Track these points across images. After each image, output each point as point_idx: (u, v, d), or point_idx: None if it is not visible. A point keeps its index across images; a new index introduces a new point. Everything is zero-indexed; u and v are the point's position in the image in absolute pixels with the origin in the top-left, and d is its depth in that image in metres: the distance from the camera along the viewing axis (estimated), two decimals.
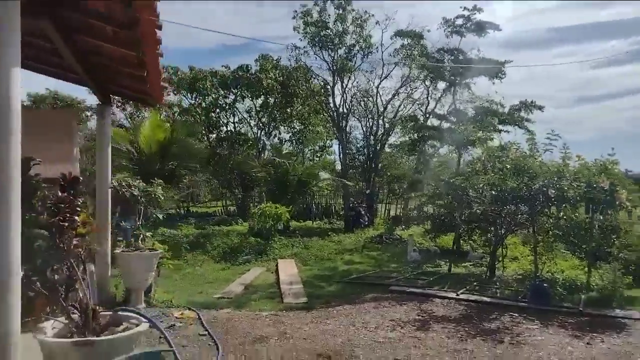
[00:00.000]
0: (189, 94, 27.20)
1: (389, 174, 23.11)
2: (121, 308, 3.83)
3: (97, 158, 6.73)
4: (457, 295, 7.87)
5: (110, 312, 3.50)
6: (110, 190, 6.72)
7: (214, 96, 26.64)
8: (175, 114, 27.51)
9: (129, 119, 26.78)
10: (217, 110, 27.19)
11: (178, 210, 24.03)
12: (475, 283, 9.05)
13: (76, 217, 3.24)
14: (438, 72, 15.77)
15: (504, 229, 10.14)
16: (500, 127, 14.32)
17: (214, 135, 26.93)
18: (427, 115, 19.55)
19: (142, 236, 6.50)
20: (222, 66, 27.49)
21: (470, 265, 11.43)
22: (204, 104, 27.30)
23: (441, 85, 20.37)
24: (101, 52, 4.89)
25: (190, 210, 24.37)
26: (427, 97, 22.43)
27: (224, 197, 26.97)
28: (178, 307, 6.84)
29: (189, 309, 6.67)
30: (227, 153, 25.40)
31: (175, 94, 27.56)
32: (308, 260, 12.15)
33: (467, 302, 7.60)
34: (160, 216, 6.91)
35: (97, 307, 3.26)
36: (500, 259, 10.45)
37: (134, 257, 6.42)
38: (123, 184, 6.64)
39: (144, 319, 3.40)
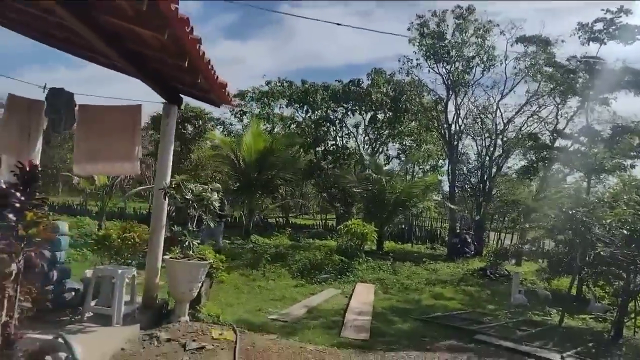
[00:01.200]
0: (299, 107, 27.61)
1: (503, 199, 20.63)
2: (59, 335, 3.21)
3: (158, 159, 6.48)
4: (562, 358, 6.14)
5: (51, 337, 2.89)
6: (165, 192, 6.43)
7: (324, 109, 26.61)
8: (289, 127, 28.08)
9: (245, 129, 27.96)
10: (327, 123, 27.09)
11: (277, 219, 24.21)
12: (591, 344, 7.11)
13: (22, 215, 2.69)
14: (569, 86, 13.48)
15: (639, 278, 7.94)
16: None
17: (321, 149, 26.77)
18: (554, 136, 16.97)
19: (188, 243, 6.02)
20: (335, 80, 27.47)
21: (591, 318, 9.24)
22: (313, 117, 27.48)
23: (574, 103, 17.75)
24: (130, 35, 4.50)
25: (289, 221, 24.37)
26: (556, 116, 19.72)
27: (326, 211, 26.69)
28: (223, 325, 6.25)
29: (233, 329, 6.05)
30: (331, 166, 25.08)
31: (287, 107, 28.25)
32: (391, 288, 10.92)
33: None
34: (212, 224, 6.41)
35: (19, 333, 2.66)
36: (633, 315, 8.21)
37: (178, 266, 5.98)
38: (173, 186, 6.28)
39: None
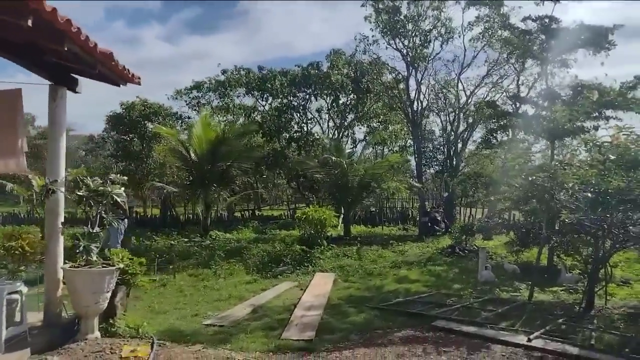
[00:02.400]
0: (260, 95, 26.57)
1: (467, 174, 20.15)
2: None
3: (48, 151, 5.49)
4: (529, 341, 5.47)
5: None
6: (62, 190, 5.47)
7: (284, 95, 25.64)
8: (249, 116, 27.01)
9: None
10: (289, 110, 26.13)
11: (243, 212, 23.24)
12: (562, 320, 6.50)
13: None
14: (526, 48, 12.86)
15: (608, 243, 7.39)
16: (607, 112, 11.12)
17: (285, 136, 25.79)
18: (515, 103, 16.44)
19: (83, 248, 5.03)
20: (295, 65, 26.48)
21: (562, 290, 8.69)
22: (275, 104, 26.49)
23: (535, 70, 17.26)
24: None
25: (255, 214, 23.45)
26: (518, 84, 19.26)
27: (297, 201, 25.88)
28: (142, 339, 5.37)
29: (152, 343, 5.17)
30: (296, 154, 24.20)
31: (246, 96, 27.15)
32: (352, 275, 10.19)
33: (544, 352, 5.20)
34: (115, 223, 5.46)
35: None
36: (603, 283, 7.67)
37: (77, 275, 5.04)
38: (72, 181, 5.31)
39: None
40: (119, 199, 5.24)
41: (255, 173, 23.03)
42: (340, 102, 26.30)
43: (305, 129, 26.56)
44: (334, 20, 69.62)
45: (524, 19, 11.99)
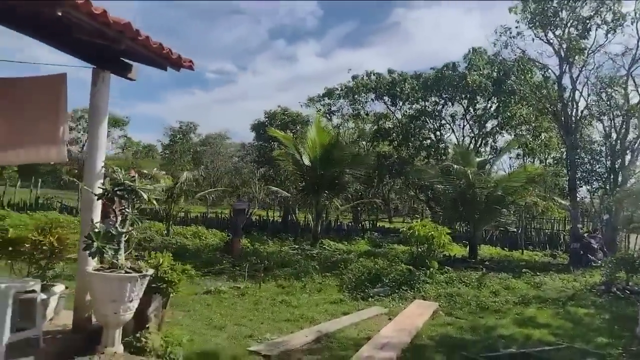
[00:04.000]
0: (390, 100, 25.38)
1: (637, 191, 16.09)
2: None
3: (88, 139, 5.09)
4: None
5: None
6: (100, 182, 5.01)
7: (415, 99, 24.03)
8: (378, 123, 26.03)
9: (335, 129, 26.52)
10: (422, 116, 24.42)
11: (363, 223, 22.12)
12: None
13: None
14: None
15: None
16: None
17: (415, 144, 24.11)
18: None
19: (95, 249, 4.42)
20: (430, 68, 24.72)
21: None
22: (406, 110, 25.05)
23: None
24: None
25: (376, 225, 22.16)
26: None
27: (412, 212, 23.99)
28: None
29: None
30: (424, 163, 22.37)
31: (375, 101, 26.19)
32: (460, 308, 8.32)
33: None
34: (140, 221, 4.77)
35: None
36: None
37: (95, 280, 4.47)
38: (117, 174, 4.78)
39: None
40: (144, 195, 4.56)
41: (373, 181, 21.82)
42: (479, 106, 23.71)
43: (437, 135, 24.57)
44: (490, 27, 65.39)
45: None
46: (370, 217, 23.82)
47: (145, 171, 4.97)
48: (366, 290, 9.24)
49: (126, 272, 4.57)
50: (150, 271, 4.81)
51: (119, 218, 4.61)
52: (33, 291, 4.35)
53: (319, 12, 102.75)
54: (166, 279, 5.19)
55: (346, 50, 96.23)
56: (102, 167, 4.87)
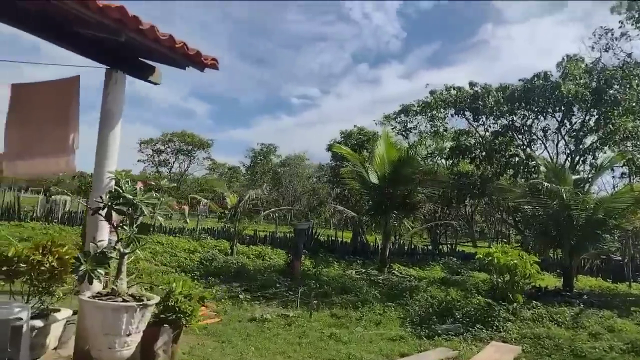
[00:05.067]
0: (473, 116, 23.59)
1: None
2: None
3: (97, 146, 4.59)
4: None
5: None
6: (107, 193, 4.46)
7: (501, 113, 22.05)
8: (459, 139, 24.29)
9: (412, 148, 25.28)
10: (509, 132, 22.37)
11: (439, 247, 20.32)
12: None
13: None
14: None
15: None
16: None
17: (501, 161, 22.04)
18: None
19: (83, 273, 3.78)
20: (518, 80, 22.61)
21: None
22: (489, 125, 23.11)
23: None
24: None
25: (455, 249, 20.29)
26: None
27: (506, 236, 21.63)
28: None
29: None
30: (510, 182, 20.23)
31: (455, 116, 24.50)
32: (548, 355, 6.74)
33: None
34: (138, 241, 4.06)
35: None
36: None
37: (87, 307, 3.88)
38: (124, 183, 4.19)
39: None
40: (145, 210, 3.90)
41: (451, 201, 20.08)
42: (575, 119, 21.16)
43: (526, 152, 22.26)
44: (588, 39, 60.49)
45: None
46: (449, 241, 21.94)
47: (152, 182, 4.33)
48: (433, 326, 7.94)
49: (124, 301, 3.91)
50: (154, 300, 4.11)
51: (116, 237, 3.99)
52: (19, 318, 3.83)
53: (402, 34, 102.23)
54: (178, 308, 4.47)
55: (430, 71, 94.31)
56: (110, 178, 4.30)
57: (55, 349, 4.57)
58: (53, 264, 4.19)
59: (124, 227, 3.96)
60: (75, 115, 4.56)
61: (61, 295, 4.44)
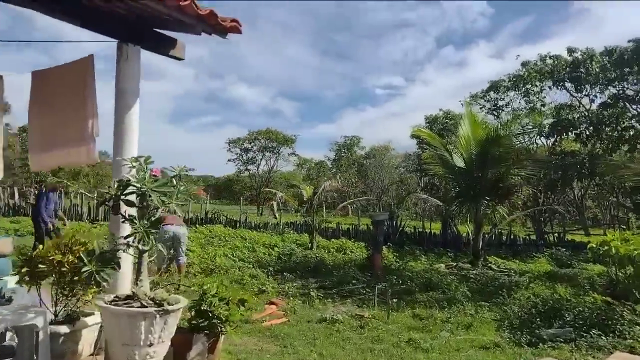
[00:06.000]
0: (574, 86, 20.89)
1: None
2: None
3: (114, 129, 4.05)
4: None
5: None
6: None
7: (608, 82, 19.22)
8: (559, 114, 21.63)
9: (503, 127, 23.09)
10: (620, 101, 19.45)
11: (545, 236, 18.04)
12: None
13: None
14: None
15: None
16: None
17: (614, 136, 19.22)
18: None
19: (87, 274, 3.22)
20: (628, 41, 19.57)
21: None
22: (594, 95, 20.28)
23: None
24: None
25: (564, 238, 17.93)
26: None
27: (623, 222, 18.67)
28: None
29: None
30: (627, 158, 17.44)
31: (552, 89, 21.86)
32: None
33: None
34: (148, 236, 3.38)
35: None
36: None
37: (104, 314, 3.36)
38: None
39: None
40: (156, 199, 3.28)
41: (556, 184, 17.75)
42: None
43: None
44: None
45: None
46: (555, 229, 19.49)
47: (168, 169, 3.71)
48: (537, 330, 6.59)
49: (142, 306, 3.33)
50: (179, 304, 3.49)
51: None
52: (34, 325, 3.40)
53: (490, 11, 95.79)
54: (211, 313, 3.83)
55: (523, 47, 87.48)
56: (127, 165, 3.74)
57: (92, 354, 4.16)
58: (75, 263, 3.73)
59: (134, 220, 3.37)
60: (92, 99, 4.10)
61: (90, 297, 3.99)
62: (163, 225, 9.15)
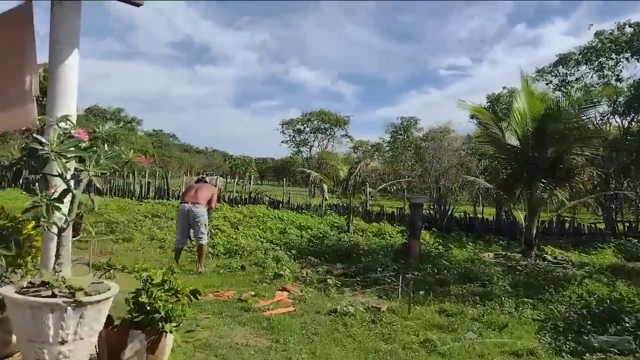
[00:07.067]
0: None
1: None
2: None
3: (48, 86, 3.44)
4: None
5: None
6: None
7: None
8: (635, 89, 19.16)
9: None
10: None
11: (615, 225, 15.99)
12: None
13: None
14: None
15: None
16: None
17: None
18: None
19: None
20: None
21: None
22: None
23: None
24: None
25: (635, 227, 15.85)
26: None
27: None
28: None
29: None
30: None
31: (628, 61, 19.31)
32: None
33: None
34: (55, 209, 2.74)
35: None
36: None
37: (8, 306, 2.81)
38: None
39: None
40: (60, 167, 2.66)
41: (629, 167, 15.68)
42: None
43: None
44: None
45: None
46: (628, 218, 17.33)
47: (97, 130, 3.06)
48: (585, 336, 5.49)
49: (53, 295, 2.77)
50: (103, 295, 2.89)
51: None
52: None
53: None
54: (153, 308, 3.20)
55: (602, 23, 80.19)
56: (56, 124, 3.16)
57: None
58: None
59: (36, 192, 2.78)
60: (31, 53, 3.55)
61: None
62: (181, 202, 8.81)
